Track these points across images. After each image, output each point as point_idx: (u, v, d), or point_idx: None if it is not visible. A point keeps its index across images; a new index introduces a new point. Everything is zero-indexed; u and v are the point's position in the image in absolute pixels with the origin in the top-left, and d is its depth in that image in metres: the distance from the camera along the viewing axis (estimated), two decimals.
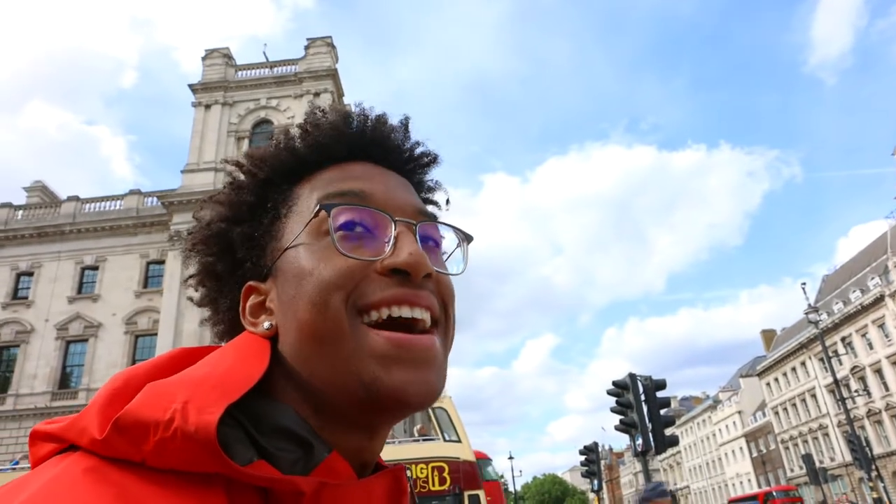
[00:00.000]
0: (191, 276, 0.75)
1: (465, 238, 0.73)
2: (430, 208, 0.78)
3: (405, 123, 0.77)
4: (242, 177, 0.73)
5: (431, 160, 0.79)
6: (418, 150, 0.78)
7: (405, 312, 0.61)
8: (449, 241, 0.73)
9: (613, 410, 12.02)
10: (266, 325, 0.64)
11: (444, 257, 0.71)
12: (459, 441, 13.23)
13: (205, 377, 0.54)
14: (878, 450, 46.68)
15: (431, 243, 0.69)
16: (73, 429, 0.52)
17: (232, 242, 0.70)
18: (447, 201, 0.81)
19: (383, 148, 0.74)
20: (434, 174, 0.80)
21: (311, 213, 0.64)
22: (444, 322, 0.66)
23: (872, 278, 51.38)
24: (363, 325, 0.60)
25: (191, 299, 0.77)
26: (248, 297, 0.68)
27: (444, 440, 13.13)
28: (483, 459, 21.77)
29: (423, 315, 0.62)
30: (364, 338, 0.59)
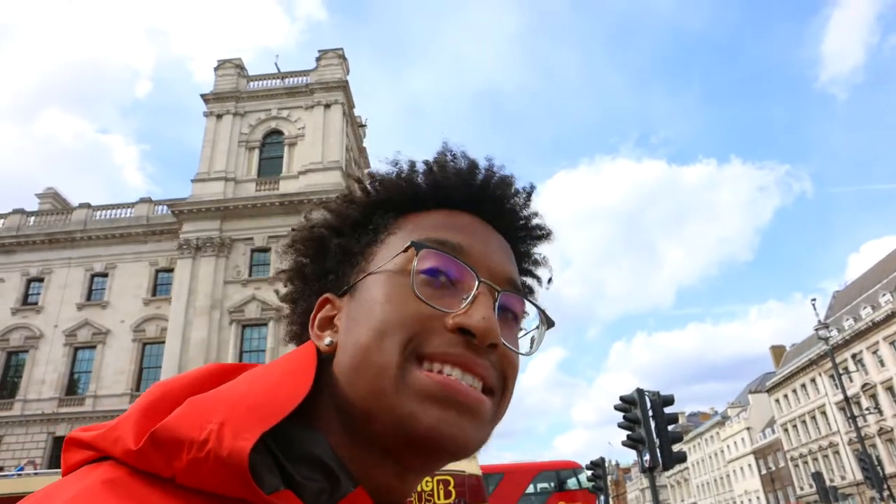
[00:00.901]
0: (283, 272, 0.76)
1: (547, 322, 0.70)
2: (529, 280, 0.77)
3: (529, 191, 0.75)
4: (359, 193, 0.73)
5: (544, 235, 0.77)
6: (534, 222, 0.76)
7: (456, 374, 0.59)
8: (530, 319, 0.70)
9: (621, 426, 11.93)
10: (327, 340, 0.65)
11: (521, 334, 0.69)
12: None
13: (243, 396, 0.54)
14: (889, 469, 46.02)
15: (510, 315, 0.67)
16: (107, 439, 0.53)
17: (327, 250, 0.71)
18: (549, 280, 0.77)
19: (499, 208, 0.73)
20: (543, 249, 0.77)
21: (402, 248, 0.64)
22: (499, 394, 0.64)
23: (884, 294, 50.84)
24: (415, 367, 0.59)
25: (277, 292, 0.79)
26: (322, 308, 0.69)
27: None
28: (575, 468, 21.57)
29: (474, 383, 0.60)
30: (411, 374, 0.58)
